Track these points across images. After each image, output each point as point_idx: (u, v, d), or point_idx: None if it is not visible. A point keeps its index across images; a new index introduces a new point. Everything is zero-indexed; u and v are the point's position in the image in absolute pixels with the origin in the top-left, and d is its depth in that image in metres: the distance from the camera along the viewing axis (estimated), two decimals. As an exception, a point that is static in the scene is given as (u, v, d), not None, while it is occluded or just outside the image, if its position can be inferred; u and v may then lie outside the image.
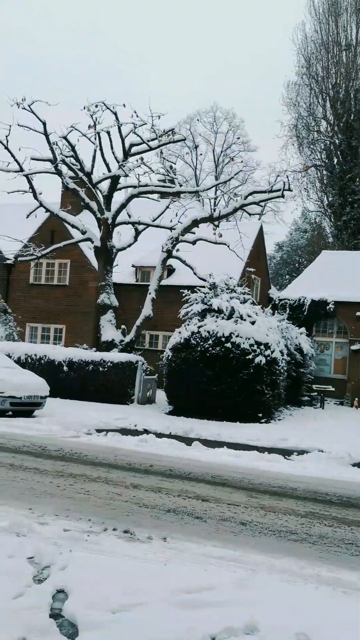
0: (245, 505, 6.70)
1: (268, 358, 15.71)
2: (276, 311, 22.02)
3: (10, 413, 13.11)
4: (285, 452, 10.95)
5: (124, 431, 12.14)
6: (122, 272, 24.21)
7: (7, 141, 18.13)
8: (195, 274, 20.17)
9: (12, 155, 18.47)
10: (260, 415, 15.57)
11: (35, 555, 4.56)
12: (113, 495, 6.64)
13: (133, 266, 25.99)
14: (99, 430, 11.78)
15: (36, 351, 18.51)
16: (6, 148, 18.27)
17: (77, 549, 4.81)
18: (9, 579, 4.05)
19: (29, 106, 17.73)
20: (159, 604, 3.89)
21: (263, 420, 15.49)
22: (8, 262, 25.37)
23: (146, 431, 12.48)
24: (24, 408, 13.28)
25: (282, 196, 17.89)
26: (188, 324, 16.79)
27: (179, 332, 16.69)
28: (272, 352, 15.87)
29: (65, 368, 17.93)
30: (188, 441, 11.20)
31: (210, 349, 15.74)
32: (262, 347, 15.73)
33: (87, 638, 3.42)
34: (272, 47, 57.10)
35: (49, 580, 4.16)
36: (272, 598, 4.15)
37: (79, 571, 4.33)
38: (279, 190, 17.75)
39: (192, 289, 18.62)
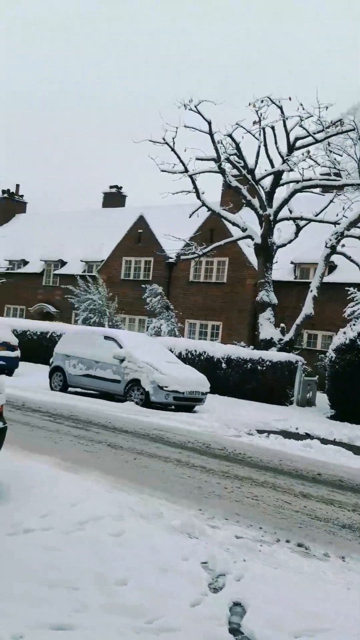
0: None
1: None
2: None
3: (172, 407, 13.44)
4: None
5: (285, 434, 11.77)
6: (280, 270, 23.77)
7: (174, 143, 18.64)
8: (361, 271, 19.06)
9: (178, 157, 18.95)
10: None
11: (209, 560, 4.44)
12: (282, 503, 6.36)
13: (292, 263, 25.41)
14: (259, 431, 11.56)
15: (196, 347, 18.84)
16: (172, 150, 18.79)
17: (251, 558, 4.61)
18: (185, 584, 3.97)
19: (195, 107, 18.04)
20: (345, 634, 3.55)
21: None
22: (170, 260, 26.25)
23: (308, 435, 11.97)
24: (186, 403, 13.53)
25: None
26: (354, 324, 15.86)
27: (344, 333, 15.83)
28: None
29: (223, 365, 17.99)
30: (355, 449, 10.51)
31: (379, 351, 14.69)
32: None
33: (269, 662, 3.20)
34: None
35: (225, 590, 4.01)
36: None
37: (255, 584, 4.12)
38: None
39: (357, 286, 17.58)
